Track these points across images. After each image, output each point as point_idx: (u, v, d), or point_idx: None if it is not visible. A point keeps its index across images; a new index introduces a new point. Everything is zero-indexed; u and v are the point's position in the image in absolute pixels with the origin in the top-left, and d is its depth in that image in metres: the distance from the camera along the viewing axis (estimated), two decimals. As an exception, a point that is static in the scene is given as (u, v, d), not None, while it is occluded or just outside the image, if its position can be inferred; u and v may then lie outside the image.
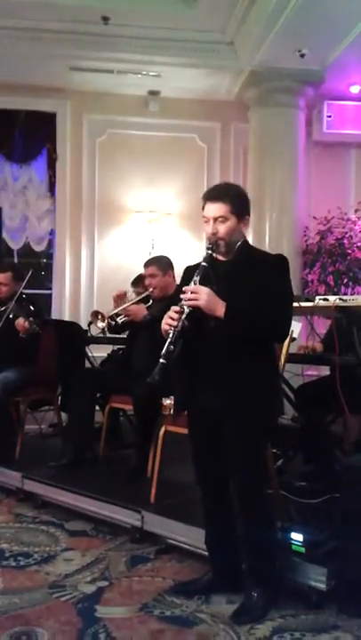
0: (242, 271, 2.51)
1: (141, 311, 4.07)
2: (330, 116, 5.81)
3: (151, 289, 4.11)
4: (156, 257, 4.31)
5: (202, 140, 6.13)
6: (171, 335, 2.42)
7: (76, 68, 5.47)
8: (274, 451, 3.49)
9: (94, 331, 4.65)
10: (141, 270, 4.34)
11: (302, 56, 5.00)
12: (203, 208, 2.57)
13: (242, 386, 2.46)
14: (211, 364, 2.53)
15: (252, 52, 5.07)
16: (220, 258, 2.57)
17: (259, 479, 2.55)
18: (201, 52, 5.26)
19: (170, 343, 2.42)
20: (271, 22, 4.52)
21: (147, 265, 4.17)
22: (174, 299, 3.95)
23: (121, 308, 4.17)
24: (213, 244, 2.51)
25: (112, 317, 4.20)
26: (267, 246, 5.30)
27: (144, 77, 5.59)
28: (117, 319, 4.20)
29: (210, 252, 2.50)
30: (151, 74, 5.53)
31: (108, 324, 4.23)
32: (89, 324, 4.74)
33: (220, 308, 2.41)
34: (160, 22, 5.02)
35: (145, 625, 2.44)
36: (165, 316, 2.46)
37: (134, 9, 4.84)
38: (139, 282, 4.71)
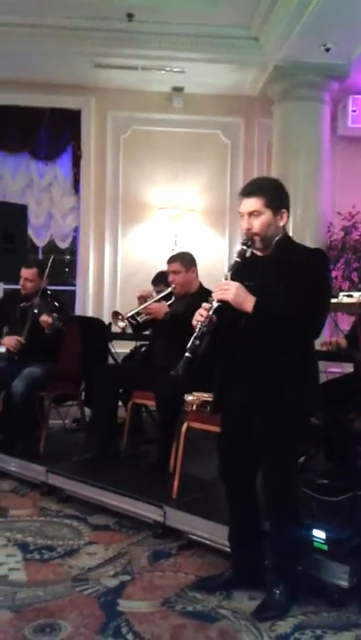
0: (278, 267, 2.46)
1: (162, 309, 4.04)
2: (355, 111, 5.76)
3: (173, 285, 4.09)
4: (180, 253, 4.28)
5: (225, 136, 6.12)
6: (198, 330, 2.43)
7: (100, 65, 5.50)
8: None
9: (116, 329, 4.69)
10: (164, 267, 4.34)
11: (327, 50, 4.96)
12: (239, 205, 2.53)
13: (272, 385, 2.43)
14: (242, 363, 2.52)
15: (276, 46, 5.04)
16: (259, 253, 2.54)
17: (288, 477, 2.52)
18: (225, 48, 5.24)
19: (196, 337, 2.43)
20: (296, 17, 4.49)
21: (170, 261, 4.15)
22: (197, 296, 3.99)
23: (142, 306, 4.14)
24: (248, 239, 2.48)
25: (132, 317, 4.17)
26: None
27: (168, 74, 5.59)
28: (138, 318, 4.17)
29: (244, 247, 2.48)
30: (175, 70, 5.54)
31: (130, 323, 4.23)
32: (110, 323, 4.76)
33: (248, 303, 2.37)
34: (184, 18, 5.01)
35: (167, 620, 2.45)
36: (197, 312, 2.47)
37: (159, 5, 4.85)
38: (159, 280, 4.72)
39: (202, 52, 5.27)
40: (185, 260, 4.11)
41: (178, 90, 5.92)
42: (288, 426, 2.45)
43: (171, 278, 4.12)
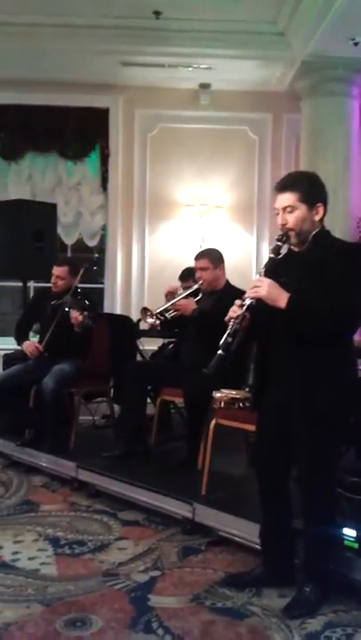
0: (315, 262, 2.43)
1: (190, 305, 4.06)
2: (385, 105, 5.67)
3: (201, 281, 4.10)
4: (208, 250, 4.28)
5: (253, 132, 6.09)
6: (230, 327, 2.43)
7: (127, 64, 5.51)
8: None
9: (144, 326, 4.71)
10: (192, 264, 4.35)
11: (356, 44, 4.89)
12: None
13: (308, 384, 2.41)
14: (278, 361, 2.52)
15: (303, 41, 4.99)
16: (296, 249, 2.52)
17: (326, 477, 2.49)
18: (252, 44, 5.21)
19: (228, 335, 2.43)
20: (323, 11, 4.44)
21: (198, 258, 4.15)
22: (224, 293, 3.98)
23: (170, 303, 4.17)
24: (283, 235, 2.46)
25: (161, 313, 4.19)
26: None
27: (195, 70, 5.58)
28: (167, 314, 4.19)
29: (279, 243, 2.46)
30: (202, 67, 5.53)
31: (158, 319, 4.24)
32: (138, 320, 4.79)
33: (282, 300, 2.35)
34: (211, 15, 5.00)
35: (196, 616, 2.46)
36: (230, 309, 2.47)
37: (185, 2, 4.84)
38: (186, 276, 4.73)
39: (229, 49, 5.24)
40: (213, 257, 4.11)
41: (205, 86, 5.91)
42: (326, 424, 2.42)
43: (198, 275, 4.12)
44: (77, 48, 5.26)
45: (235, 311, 2.44)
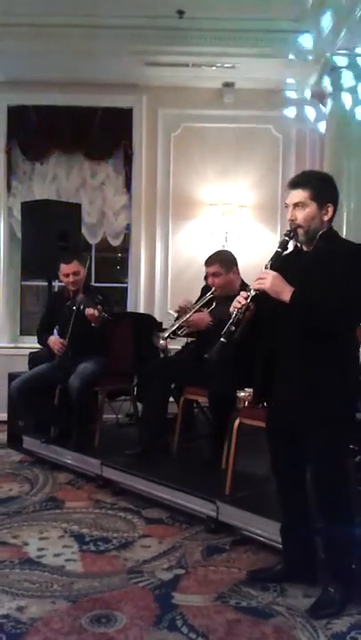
0: (321, 260, 2.46)
1: (205, 319, 3.87)
2: None
3: (213, 289, 3.91)
4: (219, 253, 4.06)
5: (277, 130, 6.05)
6: (234, 316, 2.46)
7: (151, 64, 5.52)
8: (351, 446, 3.43)
9: (168, 325, 4.70)
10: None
11: (380, 41, 4.84)
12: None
13: (315, 380, 2.43)
14: (282, 357, 2.54)
15: (328, 39, 4.95)
16: (305, 248, 2.55)
17: (338, 474, 2.49)
18: (276, 42, 5.18)
19: (231, 323, 2.47)
20: (348, 8, 4.40)
21: (208, 263, 3.95)
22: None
23: (182, 320, 3.95)
24: (292, 230, 2.48)
25: (174, 333, 4.01)
26: (344, 236, 5.17)
27: (219, 69, 5.57)
28: (179, 332, 4.01)
29: (286, 238, 2.49)
30: (226, 65, 5.51)
31: (171, 338, 4.06)
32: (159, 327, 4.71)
33: (286, 293, 2.39)
34: (234, 13, 4.98)
35: (221, 614, 2.47)
36: (235, 299, 2.51)
37: (209, 1, 4.83)
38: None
39: (253, 47, 5.21)
40: (225, 261, 3.93)
41: (229, 85, 5.89)
42: (332, 423, 2.44)
43: (210, 281, 3.94)
44: (101, 49, 5.28)
45: (239, 301, 2.49)
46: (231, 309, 2.52)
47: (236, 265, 4.00)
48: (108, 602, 2.57)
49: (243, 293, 2.50)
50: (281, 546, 2.79)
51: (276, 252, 2.50)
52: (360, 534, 2.60)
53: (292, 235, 2.49)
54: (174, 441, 4.20)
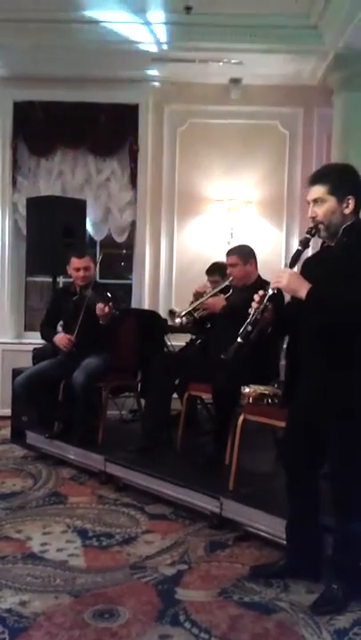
0: (344, 256, 2.41)
1: (219, 303, 4.07)
2: None
3: (231, 278, 4.11)
4: (239, 246, 4.31)
5: (284, 127, 6.02)
6: (251, 316, 2.44)
7: (157, 59, 5.50)
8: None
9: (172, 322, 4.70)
10: (221, 259, 4.34)
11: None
12: None
13: (332, 381, 2.39)
14: (303, 356, 2.51)
15: (337, 34, 4.91)
16: (331, 243, 2.50)
17: (356, 474, 2.44)
18: (284, 38, 5.14)
19: (248, 324, 2.44)
20: (357, 3, 4.37)
21: (229, 254, 4.18)
22: (255, 287, 3.95)
23: (198, 302, 4.17)
24: (313, 227, 2.44)
25: (190, 313, 4.19)
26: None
27: (226, 65, 5.54)
28: (195, 314, 4.19)
29: (308, 236, 2.44)
30: (233, 61, 5.48)
31: (187, 319, 4.22)
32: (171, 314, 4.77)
33: (302, 291, 2.34)
34: (242, 9, 4.95)
35: (224, 610, 2.46)
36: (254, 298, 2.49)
37: (216, -4, 4.81)
38: (213, 271, 4.72)
39: (260, 43, 5.18)
40: (242, 253, 4.13)
41: (236, 81, 5.86)
42: (353, 420, 2.39)
43: (229, 271, 4.16)
44: (108, 44, 5.26)
45: (257, 301, 2.45)
46: (250, 310, 2.49)
47: (255, 257, 4.16)
48: (110, 597, 2.56)
49: (260, 292, 2.47)
50: (284, 542, 2.78)
51: (297, 250, 2.46)
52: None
53: (313, 232, 2.44)
54: (178, 437, 4.20)
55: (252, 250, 4.18)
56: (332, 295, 2.32)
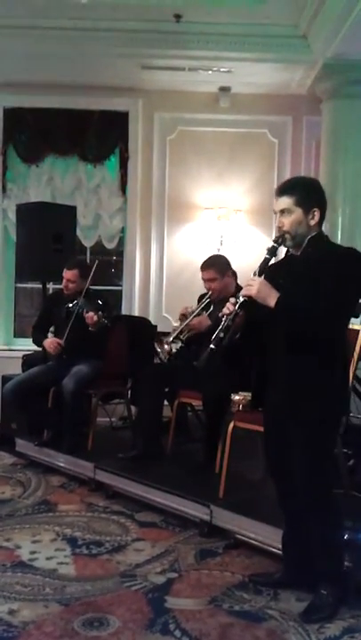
0: (309, 265, 2.49)
1: (204, 322, 4.03)
2: None
3: (210, 293, 4.07)
4: (213, 259, 4.19)
5: (273, 135, 6.07)
6: (222, 323, 2.48)
7: (147, 67, 5.52)
8: (345, 450, 3.44)
9: (163, 328, 4.68)
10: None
11: (377, 47, 4.86)
12: None
13: (295, 385, 2.46)
14: (271, 362, 2.57)
15: (325, 44, 4.96)
16: (295, 253, 2.57)
17: (322, 479, 2.50)
18: (273, 47, 5.18)
19: (220, 330, 2.49)
20: (346, 13, 4.41)
21: (204, 268, 4.09)
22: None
23: (183, 324, 4.11)
24: (280, 237, 2.52)
25: (176, 337, 4.14)
26: (339, 241, 5.18)
27: (215, 74, 5.57)
28: (181, 337, 4.13)
29: (275, 245, 2.52)
30: (222, 70, 5.52)
31: (174, 343, 4.16)
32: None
33: (271, 299, 2.40)
34: (231, 18, 4.99)
35: (214, 618, 2.46)
36: (225, 306, 2.53)
37: (206, 5, 4.84)
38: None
39: (249, 52, 5.22)
40: (219, 266, 4.07)
41: (225, 90, 5.89)
42: (317, 427, 2.45)
43: (207, 286, 4.09)
44: (98, 51, 5.28)
45: (228, 308, 2.50)
46: (220, 314, 2.54)
47: (230, 268, 4.13)
48: (100, 605, 2.55)
49: (232, 300, 2.53)
50: (275, 550, 2.79)
51: (265, 258, 2.53)
52: (352, 538, 2.61)
53: (280, 241, 2.52)
54: (168, 444, 4.20)
55: (227, 260, 4.13)
56: (300, 307, 2.39)
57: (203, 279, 4.13)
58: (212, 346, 2.51)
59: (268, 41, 5.16)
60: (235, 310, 2.48)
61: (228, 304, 2.52)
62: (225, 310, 2.51)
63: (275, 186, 6.23)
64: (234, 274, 4.19)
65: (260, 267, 2.52)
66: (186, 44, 5.21)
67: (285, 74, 5.58)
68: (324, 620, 2.43)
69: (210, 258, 4.22)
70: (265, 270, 2.52)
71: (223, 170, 6.00)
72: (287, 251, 2.64)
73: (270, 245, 2.52)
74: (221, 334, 2.49)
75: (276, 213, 2.57)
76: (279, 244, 2.52)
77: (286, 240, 2.52)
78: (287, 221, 2.50)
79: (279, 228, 2.53)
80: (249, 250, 5.82)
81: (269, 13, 4.90)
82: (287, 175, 5.98)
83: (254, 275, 2.50)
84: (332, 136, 5.53)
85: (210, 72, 5.55)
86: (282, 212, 2.51)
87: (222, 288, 4.04)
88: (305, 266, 2.50)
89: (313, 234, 2.52)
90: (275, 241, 2.52)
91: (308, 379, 2.44)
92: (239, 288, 4.11)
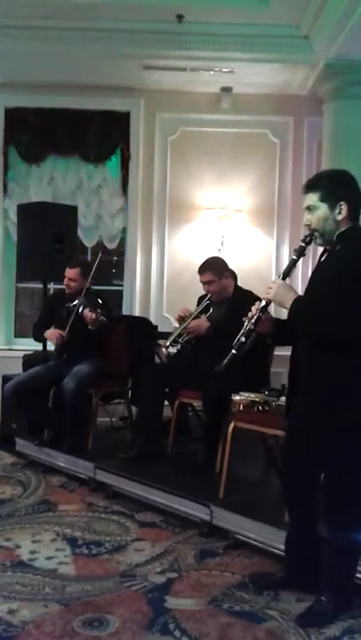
0: (333, 263, 2.39)
1: (203, 325, 4.04)
2: None
3: (209, 295, 4.08)
4: (209, 261, 4.19)
5: (274, 135, 6.06)
6: (245, 327, 2.44)
7: (149, 67, 5.52)
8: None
9: (163, 328, 4.67)
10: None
11: (378, 47, 4.85)
12: None
13: (324, 391, 2.36)
14: (298, 367, 2.49)
15: (327, 45, 4.96)
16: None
17: (349, 486, 2.40)
18: (275, 47, 5.19)
19: (242, 334, 2.44)
20: (348, 14, 4.41)
21: (201, 271, 4.10)
22: (234, 298, 3.97)
23: (181, 328, 4.11)
24: (309, 235, 2.43)
25: (175, 340, 4.14)
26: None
27: (217, 74, 5.57)
28: (180, 340, 4.13)
29: (303, 244, 2.42)
30: (224, 70, 5.52)
31: (173, 346, 4.17)
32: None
33: (288, 302, 2.34)
34: (234, 18, 4.99)
35: (214, 618, 2.46)
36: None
37: (208, 6, 4.84)
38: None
39: (251, 52, 5.23)
40: (216, 268, 4.07)
41: (226, 90, 5.89)
42: (347, 432, 2.34)
43: (205, 289, 4.11)
44: (99, 52, 5.28)
45: (251, 312, 2.46)
46: (244, 319, 2.50)
47: (228, 269, 4.13)
48: (100, 605, 2.55)
49: (256, 304, 2.48)
50: (275, 550, 2.78)
51: (292, 259, 2.45)
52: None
53: (308, 240, 2.42)
54: (169, 444, 4.19)
55: (224, 262, 4.13)
56: (312, 308, 2.31)
57: (201, 282, 4.15)
58: (233, 351, 2.47)
59: (269, 41, 5.17)
60: (257, 314, 2.44)
61: (253, 308, 2.48)
62: (249, 314, 2.48)
63: (276, 186, 6.29)
64: (233, 275, 4.19)
65: (286, 268, 2.45)
66: (188, 45, 5.21)
67: (287, 74, 5.58)
68: (320, 626, 2.38)
69: (206, 261, 4.23)
70: (291, 271, 2.44)
71: (224, 170, 5.99)
72: (324, 248, 2.52)
73: (298, 246, 2.43)
74: (243, 339, 2.45)
75: (304, 211, 2.46)
76: (308, 244, 2.42)
77: (316, 238, 2.41)
78: (314, 218, 2.40)
79: (307, 227, 2.43)
80: (250, 250, 5.82)
81: (271, 14, 4.90)
82: (289, 175, 5.99)
83: (278, 277, 2.44)
84: (334, 137, 5.52)
85: (211, 72, 5.55)
86: (308, 209, 2.42)
87: (221, 290, 4.06)
88: (330, 264, 2.41)
89: (342, 229, 2.39)
90: (303, 240, 2.43)
91: (332, 385, 2.32)
92: (239, 289, 4.14)
